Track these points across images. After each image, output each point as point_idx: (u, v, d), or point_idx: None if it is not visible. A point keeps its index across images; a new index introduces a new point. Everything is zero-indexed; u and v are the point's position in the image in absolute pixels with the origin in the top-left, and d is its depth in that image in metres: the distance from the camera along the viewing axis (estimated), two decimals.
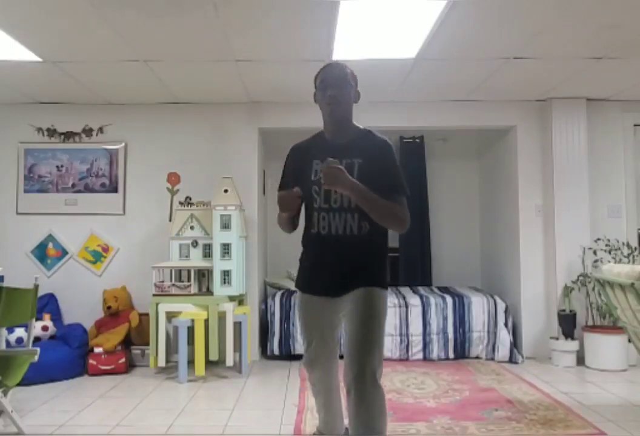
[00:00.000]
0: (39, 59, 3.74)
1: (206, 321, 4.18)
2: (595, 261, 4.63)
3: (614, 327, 4.34)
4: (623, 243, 4.67)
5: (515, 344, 4.73)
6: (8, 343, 3.81)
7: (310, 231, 2.32)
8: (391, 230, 2.35)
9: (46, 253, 4.83)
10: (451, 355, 4.71)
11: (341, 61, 2.37)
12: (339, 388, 2.44)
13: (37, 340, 4.20)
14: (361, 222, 2.23)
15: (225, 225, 4.30)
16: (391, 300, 4.81)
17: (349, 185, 2.13)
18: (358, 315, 2.21)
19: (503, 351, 4.65)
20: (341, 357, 2.32)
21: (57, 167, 4.89)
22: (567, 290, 4.59)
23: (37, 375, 3.83)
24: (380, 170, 2.24)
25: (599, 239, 4.70)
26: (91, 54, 3.68)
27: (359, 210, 2.20)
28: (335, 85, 2.25)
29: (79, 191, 4.87)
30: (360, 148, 2.27)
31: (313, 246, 2.34)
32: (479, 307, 4.75)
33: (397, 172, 2.32)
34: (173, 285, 4.30)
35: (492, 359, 4.68)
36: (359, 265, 2.26)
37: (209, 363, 4.22)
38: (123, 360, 4.35)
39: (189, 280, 4.31)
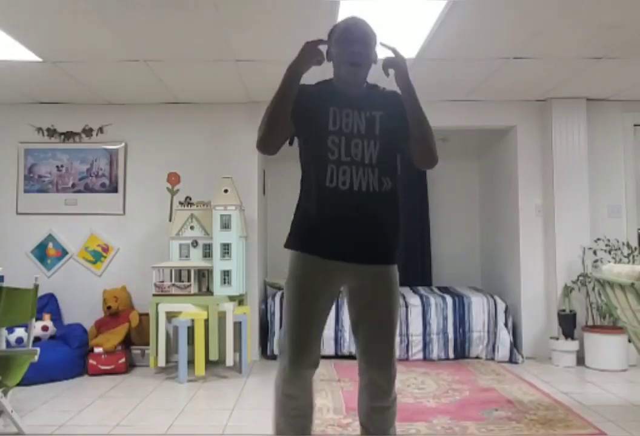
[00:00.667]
0: (39, 59, 3.74)
1: (206, 321, 4.18)
2: (595, 261, 4.63)
3: (614, 327, 4.34)
4: (623, 243, 4.67)
5: (515, 344, 4.73)
6: (8, 343, 3.81)
7: (325, 185, 1.98)
8: (423, 161, 2.11)
9: (46, 253, 4.83)
10: (451, 355, 4.71)
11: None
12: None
13: (37, 340, 4.20)
14: (382, 177, 2.02)
15: (225, 225, 4.30)
16: None
17: (408, 77, 2.04)
18: (383, 304, 2.02)
19: (503, 351, 4.65)
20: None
21: (57, 167, 4.89)
22: (567, 290, 4.59)
23: (37, 375, 3.83)
24: (402, 121, 2.08)
25: (599, 239, 4.70)
26: (91, 54, 3.68)
27: (380, 165, 2.01)
28: (362, 42, 2.01)
29: (79, 191, 4.87)
30: (376, 101, 2.11)
31: (327, 202, 1.99)
32: (479, 307, 4.76)
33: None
34: (173, 285, 4.30)
35: (492, 359, 4.68)
36: (384, 230, 2.03)
37: (209, 363, 4.22)
38: (123, 360, 4.35)
39: (189, 280, 4.31)
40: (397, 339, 4.70)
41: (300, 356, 1.99)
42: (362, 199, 1.99)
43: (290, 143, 2.12)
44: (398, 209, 2.08)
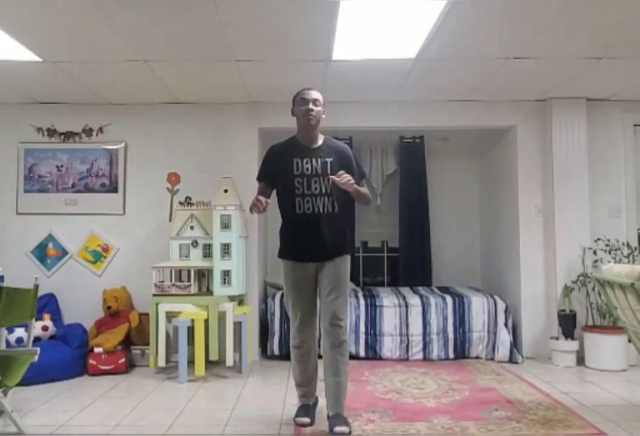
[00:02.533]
0: (39, 59, 3.74)
1: (206, 321, 4.18)
2: (595, 261, 4.63)
3: (614, 327, 4.34)
4: (623, 243, 4.67)
5: (515, 344, 4.73)
6: (8, 343, 3.81)
7: (295, 212, 2.99)
8: (363, 205, 3.31)
9: (46, 253, 4.84)
10: (451, 355, 4.71)
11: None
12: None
13: (37, 340, 4.20)
14: (334, 202, 3.02)
15: (225, 225, 4.30)
16: (391, 300, 4.81)
17: (354, 185, 2.97)
18: (334, 277, 3.02)
19: (503, 351, 4.65)
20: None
21: (57, 167, 4.89)
22: (567, 290, 4.59)
23: (37, 375, 3.83)
24: (347, 164, 3.06)
25: (599, 239, 4.70)
26: (91, 54, 3.68)
27: (331, 194, 3.00)
28: (312, 103, 3.00)
29: (79, 191, 4.88)
30: (328, 150, 3.07)
31: (298, 223, 3.01)
32: (479, 307, 4.76)
33: (357, 164, 3.17)
34: (173, 285, 4.30)
35: (492, 359, 4.68)
36: (338, 236, 3.04)
37: (209, 363, 4.22)
38: (123, 360, 4.35)
39: (189, 280, 4.31)
40: (397, 339, 4.70)
41: (301, 322, 3.07)
42: (322, 219, 3.00)
43: (272, 187, 3.13)
44: (346, 222, 3.17)
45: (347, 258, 3.09)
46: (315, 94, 3.03)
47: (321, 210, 2.98)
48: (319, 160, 3.00)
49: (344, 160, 3.07)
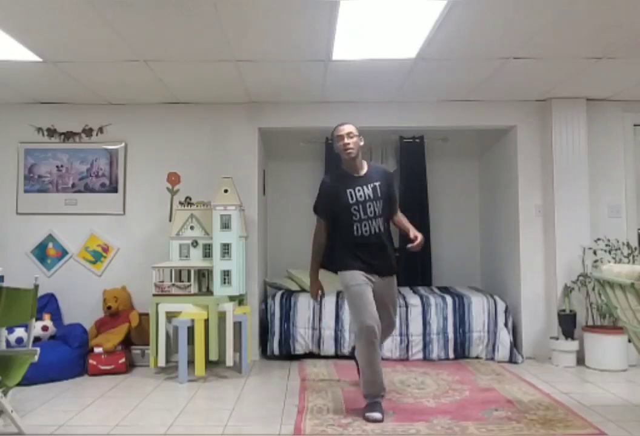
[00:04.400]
0: (39, 59, 3.74)
1: (206, 321, 4.18)
2: (595, 261, 4.63)
3: (614, 327, 4.34)
4: (623, 243, 4.67)
5: (515, 344, 4.73)
6: (8, 343, 3.81)
7: (354, 234, 3.35)
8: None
9: (46, 253, 4.84)
10: (451, 355, 4.71)
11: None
12: None
13: (37, 340, 4.20)
14: (384, 223, 3.43)
15: (225, 225, 4.30)
16: None
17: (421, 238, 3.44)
18: (387, 295, 3.48)
19: (503, 351, 4.65)
20: None
21: (57, 167, 4.89)
22: (567, 290, 4.59)
23: (37, 375, 3.83)
24: (390, 189, 3.49)
25: (599, 239, 4.70)
26: (91, 54, 3.68)
27: (382, 216, 3.40)
28: (348, 137, 3.35)
29: (79, 191, 4.88)
30: (375, 176, 3.44)
31: (359, 243, 3.36)
32: (479, 307, 4.75)
33: (396, 190, 3.67)
34: (173, 285, 4.30)
35: (492, 359, 4.68)
36: (388, 254, 3.46)
37: (209, 363, 4.22)
38: (123, 360, 4.35)
39: (189, 280, 4.31)
40: (397, 339, 4.70)
41: (368, 316, 3.24)
42: (378, 237, 3.39)
43: (329, 221, 3.48)
44: (391, 240, 3.55)
45: (395, 278, 3.57)
46: (348, 128, 3.36)
47: (375, 230, 3.37)
48: (369, 185, 3.38)
49: (388, 182, 3.48)
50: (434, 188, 5.91)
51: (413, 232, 3.43)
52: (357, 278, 3.30)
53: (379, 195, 3.38)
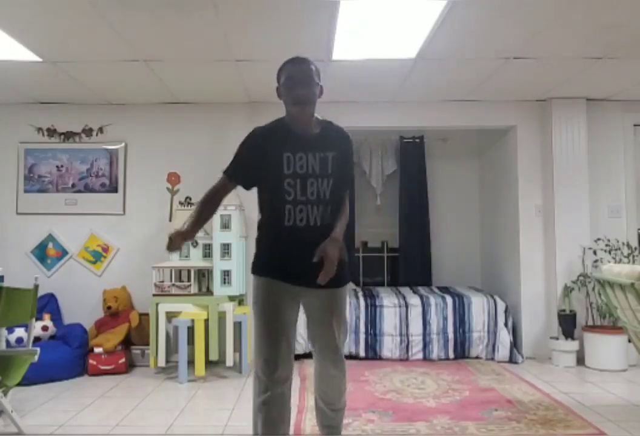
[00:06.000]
0: (39, 59, 3.74)
1: (206, 321, 4.18)
2: (595, 261, 4.63)
3: (614, 327, 4.34)
4: (623, 243, 4.67)
5: (515, 344, 4.73)
6: (8, 343, 3.81)
7: (282, 224, 2.28)
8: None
9: (46, 253, 4.83)
10: (451, 355, 4.70)
11: (305, 57, 2.34)
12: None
13: (37, 340, 4.20)
14: (332, 213, 2.33)
15: (225, 225, 4.30)
16: (391, 300, 4.81)
17: (338, 247, 2.27)
18: (329, 319, 2.39)
19: (503, 351, 4.65)
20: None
21: (57, 167, 4.89)
22: (567, 290, 4.59)
23: (37, 375, 3.83)
24: (346, 164, 2.40)
25: (599, 239, 4.70)
26: (91, 54, 3.68)
27: (331, 201, 2.32)
28: (304, 84, 2.25)
29: (79, 191, 4.88)
30: (329, 141, 2.34)
31: (286, 238, 2.30)
32: (479, 307, 4.75)
33: (352, 166, 2.51)
34: (173, 285, 4.30)
35: (492, 359, 4.68)
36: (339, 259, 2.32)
37: (209, 363, 4.22)
38: (123, 360, 4.35)
39: (189, 280, 4.31)
40: (397, 339, 4.70)
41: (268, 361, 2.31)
42: (317, 233, 2.27)
43: (247, 189, 2.43)
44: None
45: (345, 291, 2.43)
46: (306, 69, 2.27)
47: (318, 221, 2.28)
48: (317, 154, 2.28)
49: (345, 154, 2.39)
50: (434, 188, 5.90)
51: (325, 247, 2.22)
52: (266, 296, 2.31)
53: (329, 171, 2.29)
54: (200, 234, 4.44)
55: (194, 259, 4.45)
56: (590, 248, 4.67)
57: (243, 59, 3.81)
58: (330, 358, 2.40)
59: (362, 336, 4.70)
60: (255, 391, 2.33)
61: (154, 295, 4.27)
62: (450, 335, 4.71)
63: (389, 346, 4.67)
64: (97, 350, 4.31)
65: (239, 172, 2.35)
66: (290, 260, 2.29)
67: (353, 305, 4.75)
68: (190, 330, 4.15)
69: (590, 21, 3.18)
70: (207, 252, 4.44)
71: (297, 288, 2.31)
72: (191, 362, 4.12)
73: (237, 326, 4.36)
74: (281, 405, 2.31)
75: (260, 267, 2.37)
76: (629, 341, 3.70)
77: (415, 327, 4.71)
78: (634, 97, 4.77)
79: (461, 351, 4.72)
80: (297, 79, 2.24)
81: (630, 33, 3.34)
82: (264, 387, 2.28)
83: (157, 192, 4.88)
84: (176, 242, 2.27)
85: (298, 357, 4.73)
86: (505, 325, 4.74)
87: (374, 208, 5.87)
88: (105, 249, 4.86)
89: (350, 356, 4.65)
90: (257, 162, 2.29)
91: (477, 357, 4.73)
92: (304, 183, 2.26)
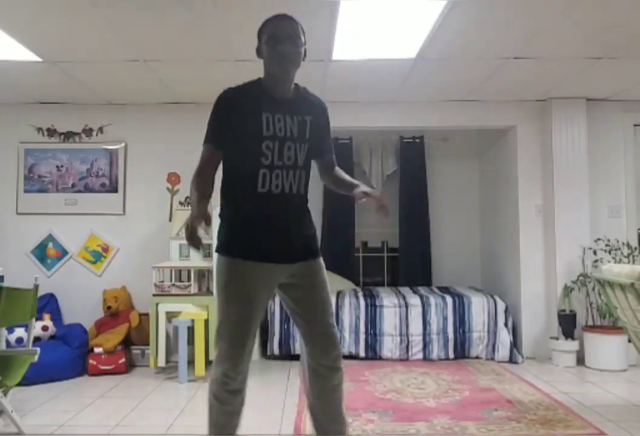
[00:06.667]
0: (39, 59, 3.74)
1: (206, 321, 4.18)
2: (595, 261, 4.63)
3: (614, 327, 4.34)
4: (623, 243, 4.67)
5: (515, 344, 4.73)
6: (8, 343, 3.81)
7: (256, 190, 2.07)
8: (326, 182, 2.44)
9: (46, 253, 4.83)
10: (451, 355, 4.70)
11: (289, 14, 2.21)
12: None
13: (37, 340, 4.20)
14: (306, 180, 2.19)
15: None
16: (391, 300, 4.81)
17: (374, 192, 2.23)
18: (319, 290, 2.19)
19: (503, 351, 4.65)
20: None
21: (57, 167, 4.89)
22: (567, 290, 4.59)
23: (37, 375, 3.83)
24: (324, 129, 2.27)
25: (599, 239, 4.70)
26: (91, 54, 3.68)
27: (305, 168, 2.17)
28: (290, 42, 2.09)
29: (79, 191, 4.88)
30: (307, 105, 2.22)
31: (259, 206, 2.09)
32: (479, 307, 4.75)
33: (330, 132, 2.36)
34: (173, 285, 4.30)
35: (492, 359, 4.68)
36: (310, 229, 2.22)
37: (209, 363, 4.21)
38: (123, 360, 4.35)
39: (189, 280, 4.31)
40: (397, 339, 4.70)
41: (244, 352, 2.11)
42: (294, 201, 2.14)
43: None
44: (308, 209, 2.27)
45: (323, 263, 2.25)
46: (291, 27, 2.13)
47: (294, 189, 2.12)
48: (295, 118, 2.14)
49: (324, 121, 2.27)
50: (434, 188, 5.90)
51: (363, 188, 2.21)
52: (239, 281, 2.08)
53: (306, 135, 2.15)
54: (200, 234, 4.46)
55: (194, 259, 4.45)
56: (590, 248, 4.67)
57: (243, 59, 3.81)
58: (328, 351, 2.19)
59: (362, 337, 4.70)
60: (212, 386, 2.16)
61: (154, 295, 4.27)
62: (450, 335, 4.71)
63: (389, 346, 4.67)
64: (97, 350, 4.31)
65: (222, 136, 2.14)
66: (266, 234, 2.08)
67: (353, 305, 4.75)
68: (190, 330, 4.15)
69: (590, 21, 3.18)
70: (207, 252, 4.44)
71: (277, 266, 2.10)
72: (191, 362, 4.12)
73: None
74: (239, 405, 2.19)
75: (230, 245, 2.11)
76: (629, 341, 3.70)
77: (415, 327, 4.71)
78: (634, 97, 4.77)
79: (461, 351, 4.72)
80: (283, 36, 2.09)
81: (630, 33, 3.34)
82: (223, 386, 2.12)
83: (157, 192, 4.88)
84: (194, 227, 1.99)
85: (298, 357, 4.72)
86: (505, 325, 4.74)
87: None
88: (105, 249, 4.86)
89: (350, 356, 4.65)
90: (233, 122, 2.10)
91: (477, 357, 4.73)
92: (281, 147, 2.09)
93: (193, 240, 1.99)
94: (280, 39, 2.09)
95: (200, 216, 1.99)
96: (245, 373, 2.13)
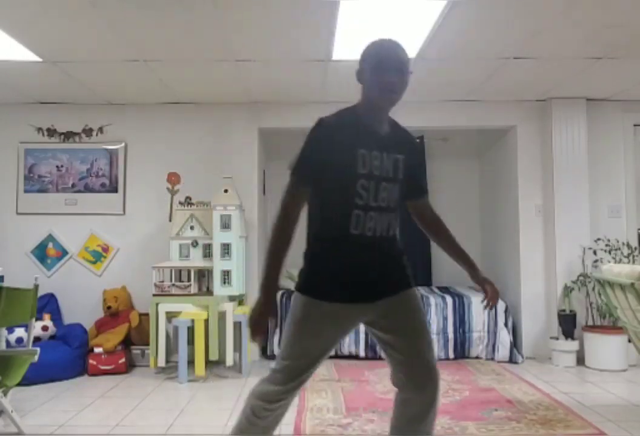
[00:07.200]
0: (39, 59, 3.74)
1: (206, 321, 4.18)
2: (595, 261, 4.63)
3: (614, 327, 4.34)
4: (623, 243, 4.67)
5: (515, 344, 4.73)
6: (8, 343, 3.81)
7: (347, 232, 1.89)
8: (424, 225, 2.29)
9: (46, 253, 4.83)
10: (451, 355, 4.71)
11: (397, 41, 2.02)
12: None
13: (37, 340, 4.20)
14: (397, 222, 2.02)
15: (225, 225, 4.30)
16: None
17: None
18: (418, 316, 2.04)
19: (503, 351, 4.65)
20: None
21: (57, 167, 4.89)
22: (567, 290, 4.59)
23: (37, 375, 3.83)
24: (414, 168, 2.07)
25: (599, 239, 4.70)
26: (91, 54, 3.68)
27: (396, 210, 2.01)
28: (398, 71, 1.92)
29: (79, 191, 4.88)
30: (400, 141, 2.04)
31: (349, 249, 1.93)
32: (479, 307, 4.75)
33: (424, 171, 2.18)
34: (173, 285, 4.30)
35: (492, 359, 4.68)
36: (401, 265, 2.06)
37: (209, 363, 4.22)
38: (123, 360, 4.35)
39: (189, 280, 4.31)
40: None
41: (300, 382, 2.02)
42: (384, 245, 1.98)
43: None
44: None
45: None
46: (402, 55, 1.96)
47: (385, 232, 1.96)
48: (391, 156, 1.96)
49: (415, 160, 2.09)
50: (434, 188, 5.87)
51: (485, 277, 2.23)
52: (320, 324, 1.92)
53: (400, 175, 1.98)
54: (200, 234, 4.48)
55: (194, 259, 4.45)
56: (590, 248, 4.67)
57: (243, 59, 3.81)
58: (427, 385, 1.95)
59: (362, 336, 4.70)
60: (262, 393, 2.01)
61: (154, 295, 4.27)
62: (450, 335, 4.71)
63: None
64: (97, 350, 4.31)
65: (314, 173, 1.91)
66: (356, 275, 1.93)
67: None
68: (190, 330, 4.15)
69: (590, 21, 3.18)
70: (207, 252, 4.44)
71: (365, 305, 1.95)
72: (191, 362, 4.12)
73: (237, 326, 4.37)
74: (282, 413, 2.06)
75: (316, 286, 1.96)
76: (629, 341, 3.70)
77: None
78: (634, 97, 4.77)
79: (461, 351, 4.72)
80: (392, 64, 1.92)
81: (630, 33, 3.34)
82: (266, 404, 1.99)
83: (157, 192, 4.88)
84: (263, 319, 1.95)
85: None
86: (505, 325, 4.74)
87: None
88: (105, 249, 4.86)
89: (350, 356, 4.65)
90: (328, 157, 1.89)
91: (477, 357, 4.74)
92: (377, 187, 1.91)
93: (257, 330, 1.96)
94: (389, 66, 1.92)
95: (269, 305, 1.94)
96: (291, 398, 2.03)
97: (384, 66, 1.92)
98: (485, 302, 2.13)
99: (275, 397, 1.97)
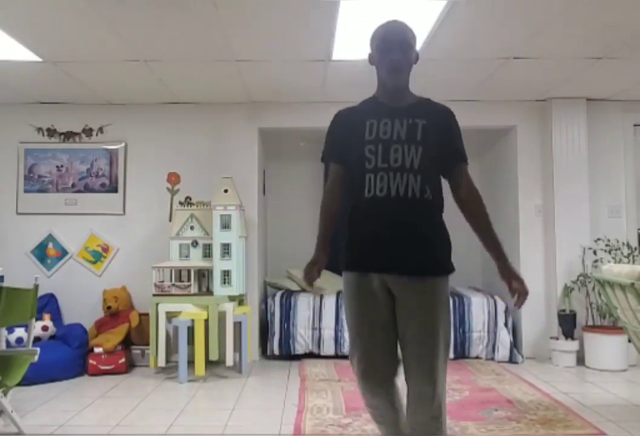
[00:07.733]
0: (39, 59, 3.74)
1: (206, 321, 4.17)
2: (595, 261, 4.63)
3: (614, 327, 4.34)
4: (623, 243, 4.67)
5: (515, 344, 4.73)
6: (8, 343, 3.81)
7: (363, 195, 1.96)
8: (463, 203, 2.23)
9: (46, 253, 4.83)
10: (451, 355, 4.70)
11: (401, 20, 2.13)
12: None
13: (37, 340, 4.20)
14: (424, 185, 1.97)
15: (225, 225, 4.30)
16: None
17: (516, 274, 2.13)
18: (427, 319, 1.95)
19: (503, 351, 4.65)
20: None
21: (57, 167, 4.89)
22: (567, 290, 4.59)
23: (37, 375, 3.83)
24: (446, 135, 2.06)
25: (599, 239, 4.70)
26: (91, 54, 3.68)
27: (422, 171, 1.96)
28: (399, 49, 2.01)
29: (79, 191, 4.88)
30: (422, 111, 2.04)
31: (365, 213, 1.99)
32: (479, 307, 4.75)
33: (462, 139, 2.15)
34: (173, 285, 4.30)
35: (492, 359, 4.68)
36: (426, 240, 1.99)
37: (209, 363, 4.22)
38: (123, 360, 4.35)
39: (189, 280, 4.31)
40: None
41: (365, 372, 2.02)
42: (401, 206, 1.95)
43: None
44: (441, 218, 2.10)
45: (446, 284, 2.02)
46: (401, 33, 2.05)
47: (402, 192, 1.94)
48: (405, 121, 2.00)
49: (444, 127, 2.06)
50: None
51: (517, 276, 2.14)
52: (351, 296, 2.04)
53: (419, 137, 1.97)
54: (200, 234, 4.48)
55: (194, 259, 4.45)
56: (590, 248, 4.67)
57: (243, 59, 3.81)
58: (422, 384, 1.92)
59: None
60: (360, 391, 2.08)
61: (154, 295, 4.27)
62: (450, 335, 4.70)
63: None
64: (97, 350, 4.31)
65: (334, 150, 2.12)
66: (371, 243, 1.97)
67: None
68: (190, 330, 4.15)
69: (590, 21, 3.18)
70: (207, 252, 4.44)
71: (385, 276, 1.94)
72: (191, 362, 4.12)
73: (237, 326, 4.36)
74: (384, 409, 2.05)
75: (344, 257, 2.08)
76: (629, 341, 3.70)
77: None
78: (634, 97, 4.77)
79: (461, 351, 4.72)
80: (393, 42, 2.02)
81: (630, 33, 3.34)
82: (362, 390, 2.05)
83: (157, 192, 4.88)
84: (312, 273, 2.12)
85: (298, 357, 4.74)
86: (505, 325, 4.73)
87: None
88: (105, 249, 4.86)
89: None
90: (343, 136, 2.08)
91: (477, 357, 4.73)
92: (386, 149, 1.96)
93: (306, 276, 2.15)
94: (390, 45, 2.02)
95: (316, 258, 2.14)
96: (384, 395, 2.01)
97: (387, 45, 2.02)
98: (514, 300, 2.04)
99: (363, 393, 2.06)
